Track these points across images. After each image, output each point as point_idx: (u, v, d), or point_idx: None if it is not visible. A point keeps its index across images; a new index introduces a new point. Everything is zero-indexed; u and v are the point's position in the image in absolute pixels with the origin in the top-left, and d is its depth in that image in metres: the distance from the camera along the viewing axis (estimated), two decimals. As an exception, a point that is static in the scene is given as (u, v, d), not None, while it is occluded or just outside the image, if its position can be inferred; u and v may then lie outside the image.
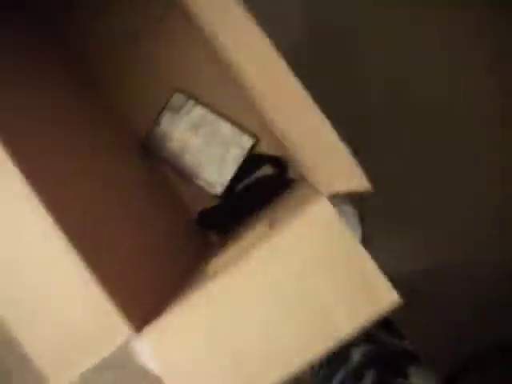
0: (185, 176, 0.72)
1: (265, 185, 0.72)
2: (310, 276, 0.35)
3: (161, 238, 0.59)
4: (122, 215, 0.53)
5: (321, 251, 0.35)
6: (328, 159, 0.33)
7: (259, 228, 0.43)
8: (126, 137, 0.70)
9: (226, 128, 0.71)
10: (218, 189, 0.72)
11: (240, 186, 0.73)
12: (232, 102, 0.73)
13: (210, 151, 0.72)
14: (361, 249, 0.34)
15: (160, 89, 0.73)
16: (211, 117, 0.71)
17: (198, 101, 0.72)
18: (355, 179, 0.29)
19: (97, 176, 0.53)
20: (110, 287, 0.36)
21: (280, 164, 0.72)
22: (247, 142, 0.71)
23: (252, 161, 0.72)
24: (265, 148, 0.73)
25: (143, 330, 0.37)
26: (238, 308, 0.36)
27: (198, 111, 0.72)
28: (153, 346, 0.36)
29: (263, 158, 0.72)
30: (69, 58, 0.69)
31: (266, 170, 0.73)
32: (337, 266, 0.35)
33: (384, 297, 0.33)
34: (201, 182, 0.72)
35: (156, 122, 0.72)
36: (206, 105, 0.72)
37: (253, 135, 0.71)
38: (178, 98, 0.72)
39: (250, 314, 0.35)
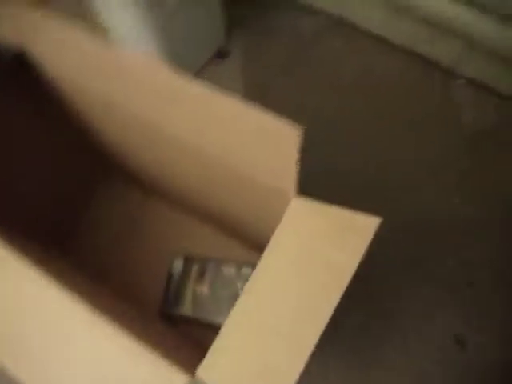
0: (203, 325, 0.76)
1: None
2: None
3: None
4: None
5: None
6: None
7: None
8: (141, 307, 0.76)
9: (226, 268, 0.79)
10: (239, 322, 0.75)
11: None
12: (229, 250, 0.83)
13: (217, 295, 0.78)
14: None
15: (161, 256, 0.83)
16: (211, 264, 0.80)
17: (196, 257, 0.81)
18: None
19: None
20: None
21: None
22: (249, 272, 0.78)
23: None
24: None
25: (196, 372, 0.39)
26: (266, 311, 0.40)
27: (198, 265, 0.80)
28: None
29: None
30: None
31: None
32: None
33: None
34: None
35: (166, 288, 0.79)
36: (203, 258, 0.81)
37: (252, 264, 0.79)
38: (178, 263, 0.81)
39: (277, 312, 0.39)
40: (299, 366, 0.36)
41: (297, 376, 0.36)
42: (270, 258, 0.41)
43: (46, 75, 0.59)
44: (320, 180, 1.04)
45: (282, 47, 1.28)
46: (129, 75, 0.49)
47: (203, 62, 1.25)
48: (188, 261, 0.81)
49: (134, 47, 1.18)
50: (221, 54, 1.25)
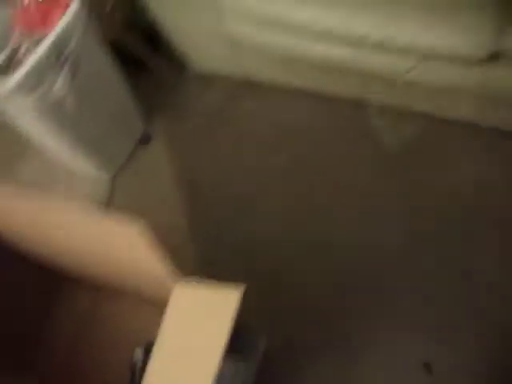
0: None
1: None
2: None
3: None
4: None
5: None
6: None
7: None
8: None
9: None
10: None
11: None
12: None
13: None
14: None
15: (124, 348, 0.86)
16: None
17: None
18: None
19: None
20: None
21: None
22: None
23: None
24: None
25: None
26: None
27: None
28: None
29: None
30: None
31: None
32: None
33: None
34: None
35: (130, 379, 0.83)
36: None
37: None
38: (138, 353, 0.85)
39: None
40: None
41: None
42: (161, 342, 0.49)
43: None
44: (240, 249, 1.10)
45: (199, 121, 1.37)
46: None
47: (129, 151, 1.33)
48: (149, 348, 0.84)
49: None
50: (144, 140, 1.33)
